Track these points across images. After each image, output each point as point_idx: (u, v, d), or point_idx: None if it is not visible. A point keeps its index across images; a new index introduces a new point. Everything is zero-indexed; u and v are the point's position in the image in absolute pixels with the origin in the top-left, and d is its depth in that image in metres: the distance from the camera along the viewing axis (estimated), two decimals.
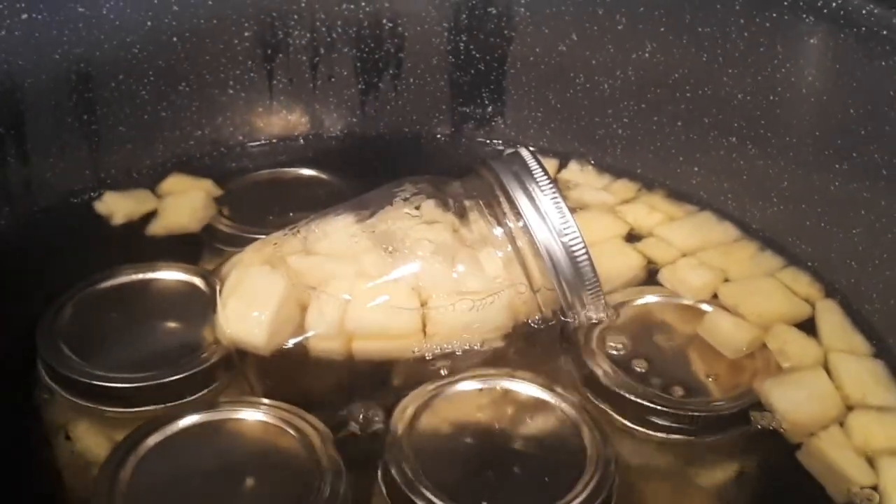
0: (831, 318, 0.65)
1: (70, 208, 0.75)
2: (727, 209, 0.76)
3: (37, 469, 0.54)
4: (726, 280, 0.68)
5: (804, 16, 0.68)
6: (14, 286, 0.65)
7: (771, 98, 0.72)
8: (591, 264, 0.56)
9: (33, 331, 0.58)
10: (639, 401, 0.56)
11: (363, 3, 0.83)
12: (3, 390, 0.58)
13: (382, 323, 0.55)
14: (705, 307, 0.64)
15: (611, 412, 0.57)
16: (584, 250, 0.55)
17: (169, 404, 0.55)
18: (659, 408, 0.56)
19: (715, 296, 0.66)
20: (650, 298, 0.65)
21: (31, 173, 0.72)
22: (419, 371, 0.56)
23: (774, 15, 0.70)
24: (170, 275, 0.63)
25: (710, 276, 0.67)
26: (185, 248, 0.71)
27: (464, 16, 0.83)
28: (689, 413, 0.56)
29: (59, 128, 0.74)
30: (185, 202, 0.75)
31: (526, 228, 0.56)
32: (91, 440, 0.55)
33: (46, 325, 0.58)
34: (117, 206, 0.75)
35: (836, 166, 0.67)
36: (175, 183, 0.78)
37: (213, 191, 0.77)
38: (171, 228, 0.73)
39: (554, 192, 0.56)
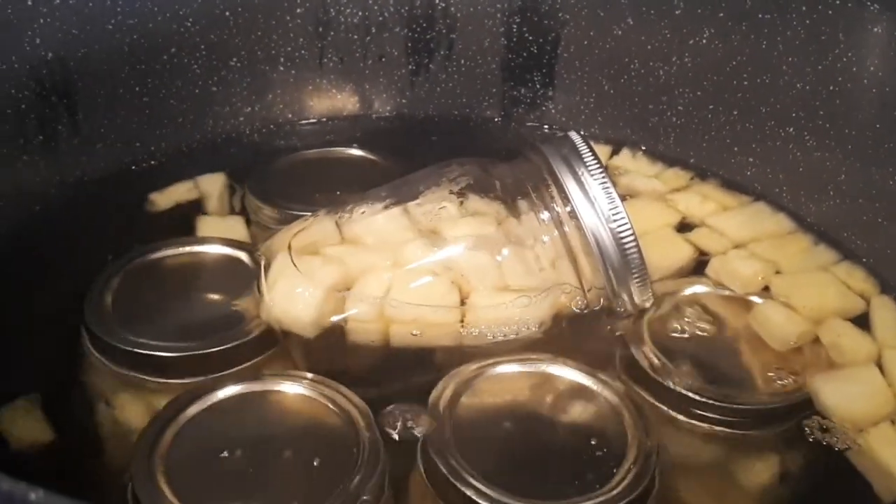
0: (886, 314, 0.63)
1: (120, 179, 0.75)
2: (781, 201, 0.75)
3: (78, 435, 0.54)
4: (778, 273, 0.66)
5: (868, 3, 0.66)
6: (63, 255, 0.66)
7: (831, 88, 0.70)
8: (640, 252, 0.54)
9: (81, 299, 0.59)
10: (683, 391, 0.55)
11: None
12: (49, 357, 0.58)
13: (421, 314, 0.54)
14: (755, 299, 0.63)
15: (654, 402, 0.56)
16: (632, 237, 0.54)
17: (210, 376, 0.55)
18: (704, 399, 0.55)
19: (766, 288, 0.64)
20: (699, 288, 0.64)
21: (82, 143, 0.73)
22: (460, 353, 0.55)
23: (838, 2, 0.68)
24: (216, 248, 0.64)
25: (760, 268, 0.66)
26: (232, 223, 0.71)
27: None
28: (736, 406, 0.54)
29: (111, 99, 0.74)
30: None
31: (574, 213, 0.55)
32: (132, 409, 0.55)
33: (94, 293, 0.59)
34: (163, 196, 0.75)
35: None
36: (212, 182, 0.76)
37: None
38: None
39: (604, 177, 0.55)
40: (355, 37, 0.83)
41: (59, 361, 0.58)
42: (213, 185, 0.74)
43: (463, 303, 0.54)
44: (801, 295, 0.63)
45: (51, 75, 0.70)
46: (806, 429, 0.54)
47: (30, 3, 0.67)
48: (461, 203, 0.57)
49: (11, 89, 0.67)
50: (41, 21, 0.68)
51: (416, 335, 0.55)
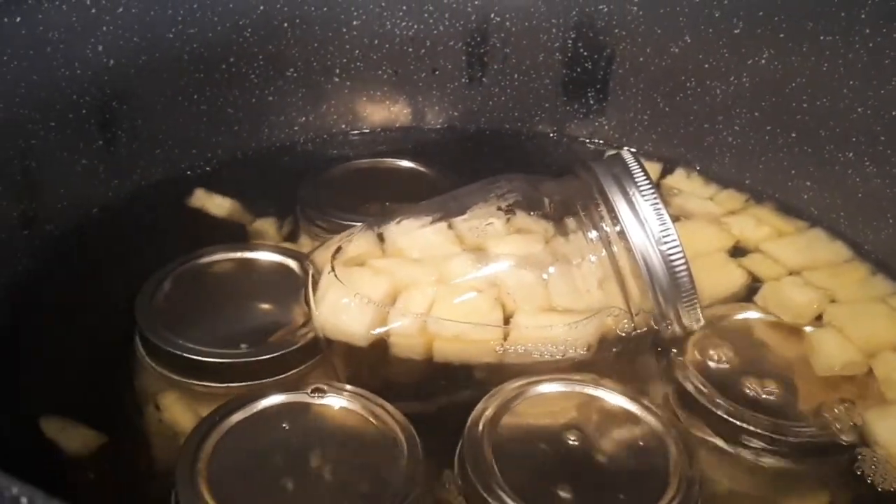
0: None
1: (176, 184, 0.76)
2: (839, 227, 0.73)
3: (127, 435, 0.55)
4: (833, 301, 0.64)
5: None
6: (117, 258, 0.67)
7: (893, 114, 0.68)
8: (690, 275, 0.54)
9: (133, 302, 0.60)
10: (730, 419, 0.54)
11: None
12: (101, 358, 0.60)
13: (464, 331, 0.54)
14: (807, 327, 0.61)
15: (699, 429, 0.55)
16: (682, 260, 0.53)
17: (256, 382, 0.56)
18: (751, 428, 0.54)
19: (819, 318, 0.63)
20: (750, 315, 0.63)
21: (140, 148, 0.75)
22: (502, 370, 0.55)
23: None
24: (266, 255, 0.65)
25: (815, 297, 0.64)
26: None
27: (574, 12, 0.82)
28: (784, 437, 0.53)
29: (170, 106, 0.76)
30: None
31: (623, 233, 0.54)
32: (179, 412, 0.56)
33: (145, 297, 0.60)
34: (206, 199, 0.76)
35: None
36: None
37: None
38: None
39: (655, 198, 0.54)
40: (410, 49, 0.84)
41: (111, 362, 0.59)
42: (267, 227, 0.74)
43: (507, 321, 0.54)
44: (855, 325, 0.61)
45: (112, 82, 0.71)
46: (856, 464, 0.53)
47: (93, 11, 0.69)
48: (508, 220, 0.57)
49: (73, 95, 0.69)
50: (104, 29, 0.70)
51: (457, 351, 0.54)
